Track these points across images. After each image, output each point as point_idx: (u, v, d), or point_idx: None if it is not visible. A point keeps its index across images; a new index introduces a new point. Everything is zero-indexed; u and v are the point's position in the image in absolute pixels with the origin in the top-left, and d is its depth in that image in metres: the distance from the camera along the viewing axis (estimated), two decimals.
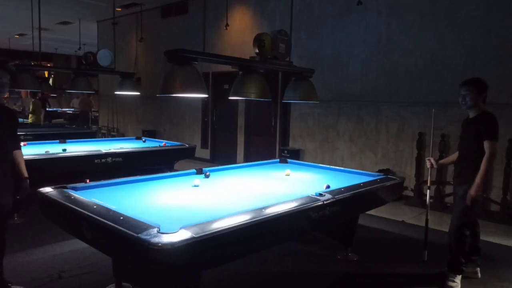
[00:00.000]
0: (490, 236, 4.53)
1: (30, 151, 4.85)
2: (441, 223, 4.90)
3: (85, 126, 11.68)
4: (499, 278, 3.44)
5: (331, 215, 2.90)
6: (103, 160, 4.82)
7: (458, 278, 3.23)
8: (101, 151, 4.89)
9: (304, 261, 3.71)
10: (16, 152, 3.00)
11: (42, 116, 13.23)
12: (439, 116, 5.73)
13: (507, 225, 4.96)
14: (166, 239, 1.89)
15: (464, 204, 3.18)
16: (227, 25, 7.83)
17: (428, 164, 3.63)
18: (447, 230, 4.80)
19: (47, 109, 14.35)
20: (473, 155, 3.16)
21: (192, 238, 1.93)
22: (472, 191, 3.10)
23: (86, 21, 11.45)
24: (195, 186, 3.28)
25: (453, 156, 3.60)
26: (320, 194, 2.88)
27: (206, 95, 2.82)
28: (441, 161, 3.78)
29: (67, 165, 4.59)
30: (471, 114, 3.25)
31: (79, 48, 11.59)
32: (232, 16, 8.21)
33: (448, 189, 5.63)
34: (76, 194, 2.75)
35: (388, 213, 5.20)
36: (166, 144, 5.99)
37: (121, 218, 2.18)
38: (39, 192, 2.82)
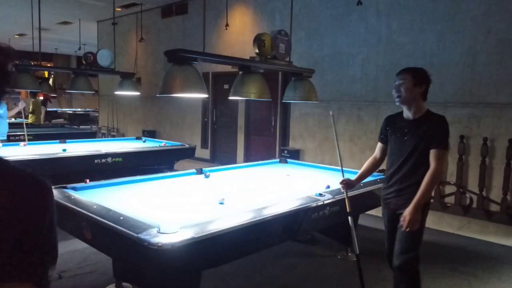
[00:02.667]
0: (490, 236, 4.53)
1: (30, 151, 4.86)
2: (441, 223, 4.90)
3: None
4: (499, 278, 3.44)
5: (331, 215, 2.90)
6: (103, 160, 4.82)
7: None
8: (101, 151, 4.90)
9: (304, 261, 3.71)
10: None
11: (42, 116, 13.25)
12: None
13: (507, 225, 4.96)
14: (166, 239, 1.89)
15: (415, 230, 2.44)
16: (227, 25, 7.82)
17: (342, 188, 2.84)
18: (446, 230, 4.82)
19: (47, 108, 14.36)
20: (421, 170, 2.46)
21: (192, 238, 1.94)
22: (411, 213, 2.38)
23: (86, 21, 11.45)
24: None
25: (368, 166, 2.87)
26: (320, 194, 2.88)
27: (206, 95, 2.82)
28: (357, 178, 2.91)
29: (67, 165, 4.59)
30: (411, 113, 2.55)
31: (79, 48, 11.59)
32: (232, 16, 8.21)
33: (448, 189, 5.62)
34: (76, 194, 2.75)
35: None
36: (166, 144, 5.98)
37: (121, 218, 2.18)
38: None
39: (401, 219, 2.45)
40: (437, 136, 2.47)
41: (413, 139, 2.52)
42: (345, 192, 2.85)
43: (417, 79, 2.51)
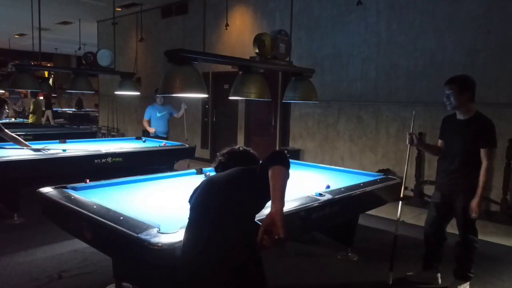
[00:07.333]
0: (490, 236, 4.52)
1: (30, 151, 4.85)
2: None
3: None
4: (499, 278, 3.44)
5: (331, 215, 2.90)
6: (103, 160, 4.81)
7: (466, 285, 3.18)
8: (101, 151, 4.89)
9: (304, 261, 3.71)
10: None
11: (50, 117, 13.33)
12: (439, 116, 5.72)
13: (507, 225, 4.96)
14: (166, 239, 1.89)
15: (469, 214, 3.03)
16: (227, 25, 7.82)
17: (408, 141, 3.24)
18: (446, 230, 4.81)
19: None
20: (471, 163, 2.99)
21: None
22: (476, 204, 2.95)
23: (86, 21, 11.45)
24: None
25: (435, 146, 3.39)
26: (320, 194, 2.88)
27: (206, 95, 2.82)
28: (424, 145, 3.59)
29: (67, 165, 4.59)
30: (462, 115, 3.06)
31: (79, 48, 11.58)
32: (232, 16, 8.21)
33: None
34: (76, 194, 2.75)
35: (388, 213, 5.19)
36: (166, 144, 5.98)
37: (121, 218, 2.18)
38: (39, 192, 2.82)
39: (472, 209, 2.96)
40: (484, 136, 2.94)
41: (461, 135, 3.03)
42: (409, 147, 3.24)
43: (462, 88, 2.97)
